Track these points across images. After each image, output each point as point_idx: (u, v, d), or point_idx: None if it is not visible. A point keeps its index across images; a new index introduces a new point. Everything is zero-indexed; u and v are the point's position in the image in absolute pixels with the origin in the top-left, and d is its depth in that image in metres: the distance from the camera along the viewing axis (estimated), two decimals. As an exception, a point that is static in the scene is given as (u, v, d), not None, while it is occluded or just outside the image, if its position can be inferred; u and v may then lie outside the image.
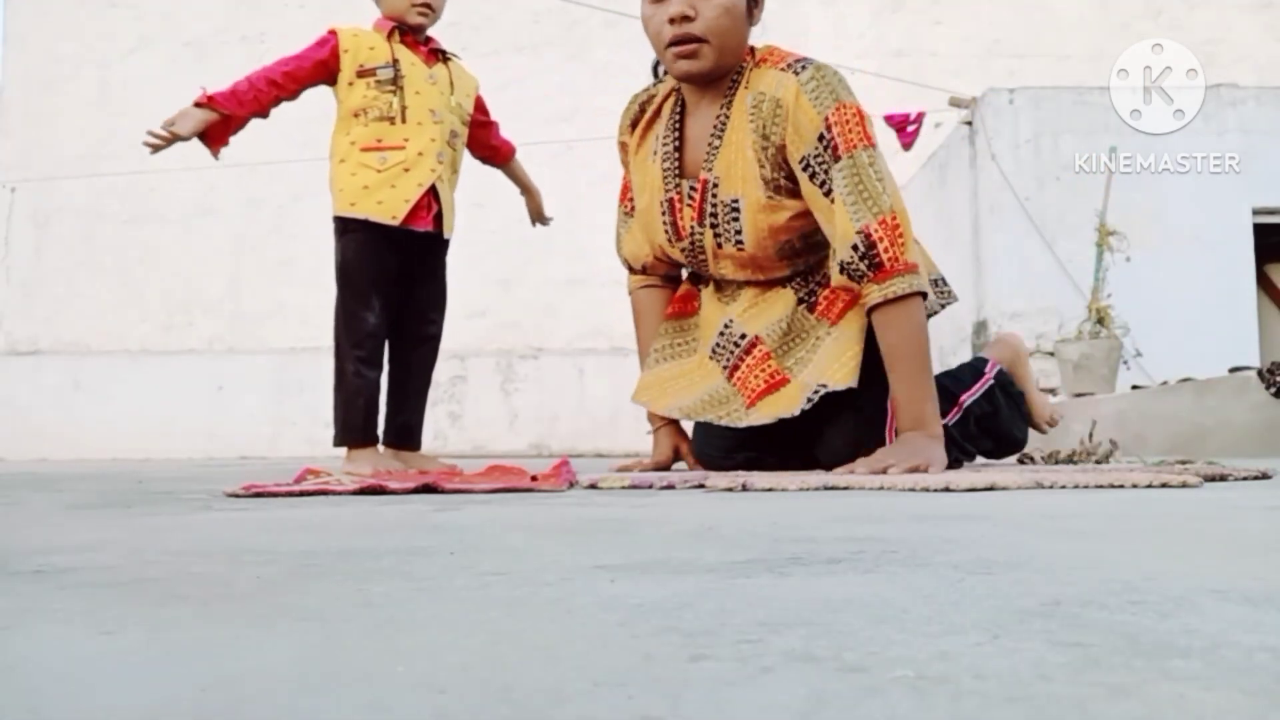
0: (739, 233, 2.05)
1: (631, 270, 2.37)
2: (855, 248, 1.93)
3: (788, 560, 0.73)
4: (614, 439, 7.49)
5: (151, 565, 0.75)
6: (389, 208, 2.43)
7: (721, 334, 2.13)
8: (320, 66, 2.47)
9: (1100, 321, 4.61)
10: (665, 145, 2.14)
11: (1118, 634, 0.46)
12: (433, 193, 2.50)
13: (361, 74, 2.47)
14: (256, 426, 7.70)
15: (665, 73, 2.19)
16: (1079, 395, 4.48)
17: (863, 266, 1.93)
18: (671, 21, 1.99)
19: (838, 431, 2.06)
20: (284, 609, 0.56)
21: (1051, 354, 5.00)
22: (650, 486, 1.75)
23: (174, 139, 2.31)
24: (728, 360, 2.11)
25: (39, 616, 0.54)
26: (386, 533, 1.01)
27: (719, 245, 2.09)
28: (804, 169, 1.98)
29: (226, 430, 7.66)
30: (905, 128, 6.08)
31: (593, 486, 1.80)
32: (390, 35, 2.51)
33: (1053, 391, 5.17)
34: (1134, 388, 4.30)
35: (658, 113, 2.22)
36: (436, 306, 2.64)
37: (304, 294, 8.23)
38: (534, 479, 1.83)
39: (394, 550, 0.84)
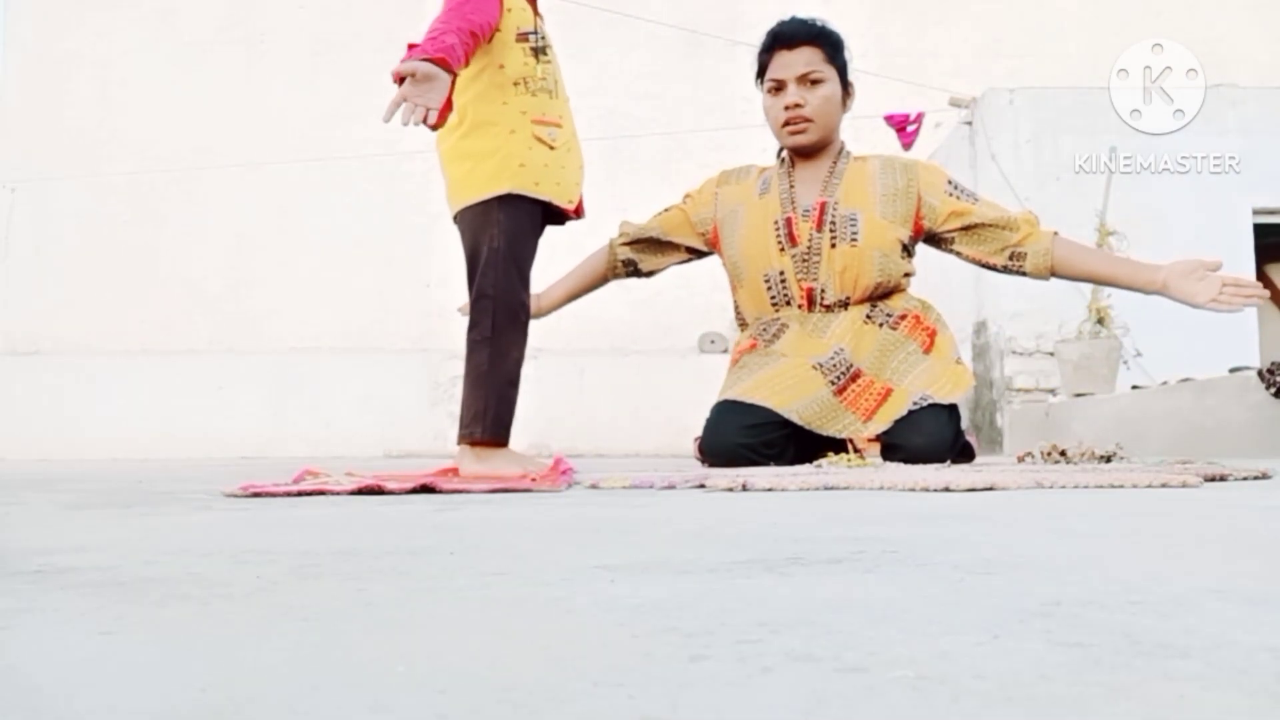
0: (855, 233, 2.65)
1: (623, 233, 2.90)
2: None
3: (788, 560, 0.73)
4: (614, 439, 7.49)
5: (151, 565, 0.75)
6: (566, 191, 2.20)
7: (833, 356, 2.61)
8: (494, 22, 2.11)
9: (1100, 321, 4.60)
10: (781, 185, 2.77)
11: (1118, 634, 0.45)
12: None
13: (520, 37, 2.16)
14: (256, 426, 7.68)
15: (779, 155, 2.85)
16: (1079, 395, 4.48)
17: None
18: (786, 108, 2.68)
19: (927, 423, 2.56)
20: (284, 609, 0.56)
21: (1051, 354, 4.99)
22: (650, 486, 1.76)
23: (438, 122, 1.95)
24: (836, 378, 2.60)
25: (39, 616, 0.54)
26: (386, 533, 1.01)
27: (833, 245, 2.66)
28: (947, 194, 2.74)
29: (226, 430, 7.64)
30: (905, 128, 6.06)
31: (593, 487, 1.80)
32: None
33: (1052, 392, 5.17)
34: (1134, 388, 4.29)
35: (754, 177, 2.87)
36: None
37: (304, 294, 8.22)
38: (532, 479, 1.83)
39: (394, 550, 0.84)
